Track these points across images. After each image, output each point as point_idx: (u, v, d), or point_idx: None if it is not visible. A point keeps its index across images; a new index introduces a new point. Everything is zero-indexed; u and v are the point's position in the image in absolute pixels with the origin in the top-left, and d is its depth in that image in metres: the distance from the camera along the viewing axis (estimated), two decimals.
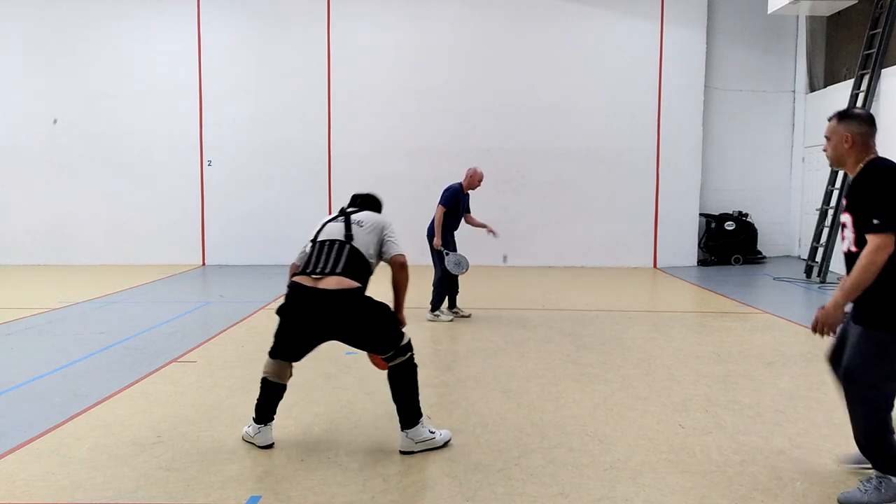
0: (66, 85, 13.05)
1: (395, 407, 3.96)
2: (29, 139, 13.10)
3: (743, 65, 13.65)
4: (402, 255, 4.10)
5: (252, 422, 4.06)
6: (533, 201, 13.20)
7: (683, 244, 13.35)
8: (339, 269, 3.80)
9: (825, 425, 4.43)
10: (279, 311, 3.94)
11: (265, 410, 4.03)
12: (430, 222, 7.97)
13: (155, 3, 13.05)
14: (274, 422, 4.09)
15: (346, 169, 13.19)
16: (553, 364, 5.93)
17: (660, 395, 5.06)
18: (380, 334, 3.87)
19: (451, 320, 7.87)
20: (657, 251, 13.34)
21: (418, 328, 7.35)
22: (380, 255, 4.09)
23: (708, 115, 13.46)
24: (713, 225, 13.40)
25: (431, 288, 7.90)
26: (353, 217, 4.12)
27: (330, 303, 3.74)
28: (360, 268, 3.90)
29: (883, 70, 10.79)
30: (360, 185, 13.13)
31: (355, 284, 3.82)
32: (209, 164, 13.18)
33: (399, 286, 4.11)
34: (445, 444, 4.00)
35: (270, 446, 4.01)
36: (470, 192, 8.10)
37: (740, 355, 6.25)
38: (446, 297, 7.99)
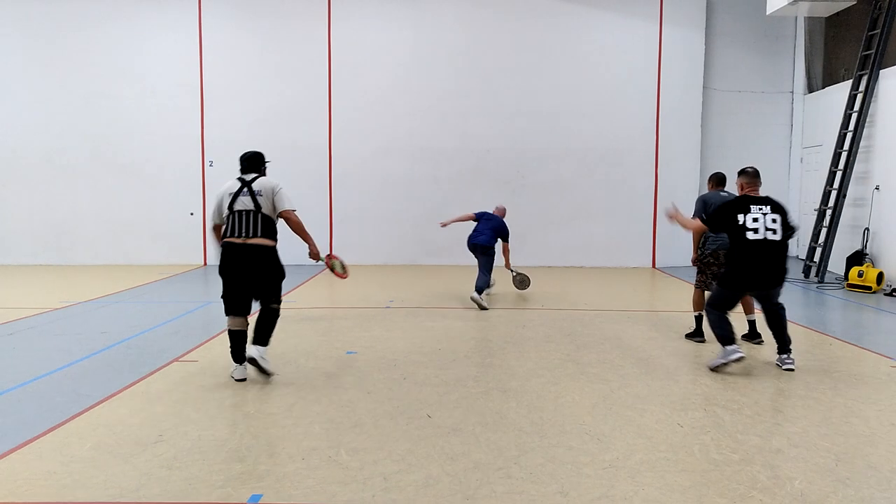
0: (67, 85, 13.09)
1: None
2: (30, 139, 13.14)
3: (742, 66, 13.67)
4: (289, 210, 5.33)
5: (234, 364, 5.39)
6: (533, 201, 13.22)
7: (683, 244, 13.34)
8: (259, 234, 5.24)
9: (823, 425, 4.45)
10: (220, 270, 5.27)
11: (238, 353, 5.34)
12: (483, 235, 8.79)
13: (156, 3, 13.08)
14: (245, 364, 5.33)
15: (346, 169, 13.23)
16: (553, 363, 5.95)
17: (659, 394, 5.08)
18: (276, 286, 5.40)
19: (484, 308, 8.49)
20: (656, 251, 13.36)
21: (421, 328, 7.38)
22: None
23: (707, 116, 13.48)
24: None
25: (486, 275, 8.70)
26: (254, 188, 5.29)
27: (254, 253, 5.22)
28: (270, 229, 5.30)
29: (881, 71, 10.81)
30: (361, 185, 13.29)
31: (272, 243, 5.30)
32: (210, 165, 13.20)
33: (297, 232, 5.44)
34: (269, 375, 5.34)
35: (243, 380, 5.30)
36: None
37: None
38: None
